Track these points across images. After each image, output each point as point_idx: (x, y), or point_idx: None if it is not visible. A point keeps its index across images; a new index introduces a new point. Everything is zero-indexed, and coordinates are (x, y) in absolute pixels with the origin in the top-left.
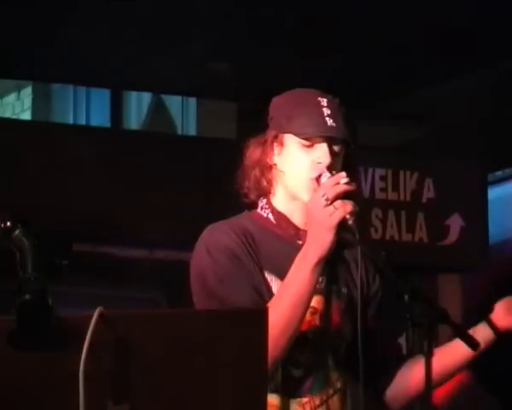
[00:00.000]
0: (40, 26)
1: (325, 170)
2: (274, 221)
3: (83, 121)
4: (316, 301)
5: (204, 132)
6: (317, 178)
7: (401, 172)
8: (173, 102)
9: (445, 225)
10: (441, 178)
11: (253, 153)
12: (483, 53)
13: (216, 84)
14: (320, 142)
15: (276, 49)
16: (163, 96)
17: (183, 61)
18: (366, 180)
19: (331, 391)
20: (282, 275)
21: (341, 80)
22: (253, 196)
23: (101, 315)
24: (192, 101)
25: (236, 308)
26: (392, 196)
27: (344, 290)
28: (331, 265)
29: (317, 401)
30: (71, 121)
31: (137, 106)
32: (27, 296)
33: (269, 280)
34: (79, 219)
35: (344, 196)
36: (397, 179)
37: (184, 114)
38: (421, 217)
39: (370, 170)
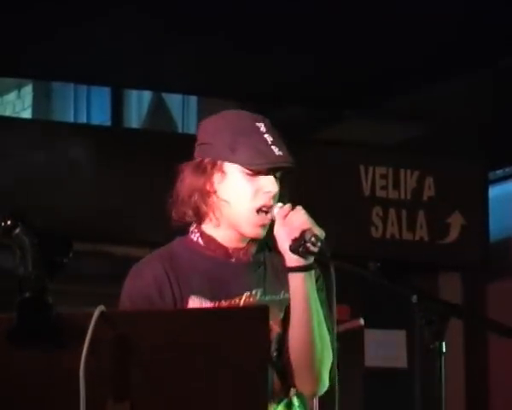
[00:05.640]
0: (41, 25)
1: (272, 201)
2: (203, 244)
3: (83, 120)
4: None
5: None
6: (261, 209)
7: (402, 171)
8: (174, 101)
9: (446, 223)
10: (442, 176)
11: (193, 179)
12: (482, 52)
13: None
14: (266, 171)
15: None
16: (164, 94)
17: (184, 60)
18: (367, 178)
19: (273, 404)
20: (211, 296)
21: (342, 80)
22: (190, 220)
23: (101, 313)
24: (193, 99)
25: (236, 308)
26: (392, 194)
27: (286, 295)
28: (268, 275)
29: None
30: (71, 120)
31: (138, 104)
32: (27, 294)
33: (192, 305)
34: (79, 218)
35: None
36: (397, 178)
37: (185, 113)
38: (421, 215)
39: (371, 168)
